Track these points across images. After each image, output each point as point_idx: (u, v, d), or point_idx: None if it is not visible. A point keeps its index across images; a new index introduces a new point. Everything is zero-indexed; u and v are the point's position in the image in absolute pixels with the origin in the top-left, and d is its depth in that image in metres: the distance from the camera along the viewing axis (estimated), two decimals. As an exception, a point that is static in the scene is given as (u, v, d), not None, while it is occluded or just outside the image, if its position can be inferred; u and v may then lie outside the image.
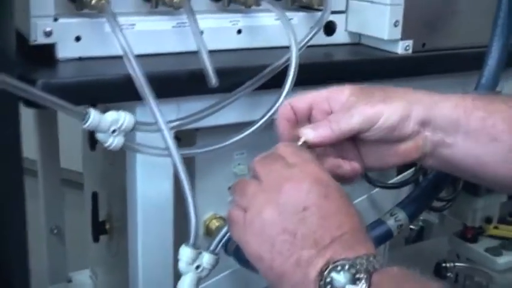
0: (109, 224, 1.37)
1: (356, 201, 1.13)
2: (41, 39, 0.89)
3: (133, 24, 0.94)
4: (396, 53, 1.05)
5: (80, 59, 0.92)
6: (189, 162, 0.95)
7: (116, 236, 1.35)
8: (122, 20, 0.92)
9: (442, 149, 0.79)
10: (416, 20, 1.04)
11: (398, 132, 0.77)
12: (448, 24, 1.08)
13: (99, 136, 0.82)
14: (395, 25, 1.02)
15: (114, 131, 0.81)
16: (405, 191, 1.13)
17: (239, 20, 1.01)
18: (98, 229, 1.37)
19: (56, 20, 0.89)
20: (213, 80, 0.86)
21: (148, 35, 0.95)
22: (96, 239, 1.37)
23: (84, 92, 0.84)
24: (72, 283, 1.54)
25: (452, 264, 1.30)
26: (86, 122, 0.79)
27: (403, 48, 1.04)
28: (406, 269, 0.64)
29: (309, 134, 0.77)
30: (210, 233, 1.06)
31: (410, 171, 1.14)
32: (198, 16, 0.93)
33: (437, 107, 0.78)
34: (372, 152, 0.80)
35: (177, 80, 0.89)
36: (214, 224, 1.05)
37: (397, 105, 0.77)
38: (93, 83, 0.85)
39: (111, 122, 0.81)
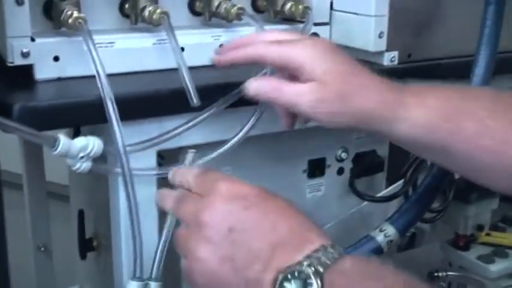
0: (96, 241, 1.35)
1: (345, 215, 1.12)
2: (18, 61, 0.87)
3: (113, 43, 0.92)
4: (382, 65, 1.03)
5: (59, 79, 0.90)
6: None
7: (103, 253, 1.33)
8: (101, 38, 0.91)
9: None
10: (402, 30, 1.03)
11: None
12: (433, 34, 1.06)
13: (68, 161, 0.81)
14: (380, 36, 1.01)
15: (82, 157, 0.81)
16: (394, 203, 1.12)
17: (221, 34, 0.99)
18: (85, 246, 1.35)
19: (33, 40, 0.87)
20: (194, 99, 0.85)
21: (128, 53, 0.93)
22: (83, 256, 1.36)
23: (61, 115, 0.82)
24: (60, 301, 1.52)
25: (444, 274, 1.28)
26: (56, 149, 0.79)
27: (388, 59, 1.03)
28: (364, 260, 0.62)
29: (251, 87, 0.81)
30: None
31: (400, 183, 1.12)
32: (178, 32, 0.92)
33: (395, 124, 0.78)
34: None
35: (158, 99, 0.87)
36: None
37: (341, 121, 0.79)
38: (70, 106, 0.83)
39: (80, 149, 0.81)
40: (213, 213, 0.67)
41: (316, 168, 1.10)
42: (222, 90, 0.89)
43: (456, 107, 0.79)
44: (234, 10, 0.96)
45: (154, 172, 0.89)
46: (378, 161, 1.13)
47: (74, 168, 0.82)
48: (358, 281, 0.60)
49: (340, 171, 1.12)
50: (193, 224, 0.69)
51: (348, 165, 1.13)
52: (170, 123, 0.89)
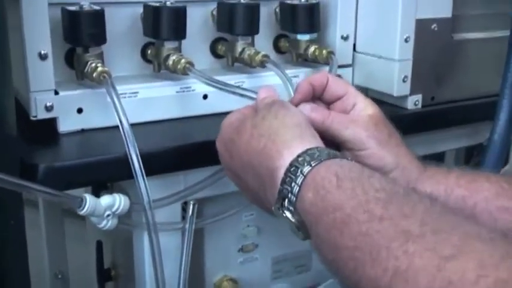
0: (114, 271, 1.35)
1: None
2: (42, 114, 0.86)
3: (136, 92, 0.92)
4: (405, 108, 1.03)
5: (83, 130, 0.89)
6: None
7: (121, 283, 1.33)
8: (124, 88, 0.90)
9: None
10: (425, 74, 1.02)
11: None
12: (456, 76, 1.05)
13: (93, 219, 0.81)
14: (404, 81, 1.00)
15: (108, 215, 0.80)
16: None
17: (244, 80, 0.99)
18: (104, 276, 1.35)
19: (56, 93, 0.86)
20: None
21: (152, 102, 0.93)
22: (102, 286, 1.35)
23: (86, 174, 0.82)
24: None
25: None
26: (83, 209, 0.78)
27: (412, 103, 1.02)
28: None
29: (304, 110, 0.78)
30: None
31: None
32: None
33: (418, 183, 0.77)
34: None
35: (183, 154, 0.87)
36: (225, 285, 1.02)
37: (387, 157, 0.78)
38: (95, 164, 0.82)
39: (106, 207, 0.81)
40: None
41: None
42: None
43: (472, 172, 0.79)
44: (258, 57, 0.96)
45: (179, 226, 0.88)
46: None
47: (99, 226, 0.82)
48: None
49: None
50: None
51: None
52: (195, 175, 0.88)
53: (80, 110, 0.88)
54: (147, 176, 0.82)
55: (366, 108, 0.80)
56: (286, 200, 0.64)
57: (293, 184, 0.63)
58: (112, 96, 0.83)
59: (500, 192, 0.75)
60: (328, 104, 0.83)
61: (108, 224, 0.82)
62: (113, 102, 0.82)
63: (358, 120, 0.79)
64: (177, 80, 0.94)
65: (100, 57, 0.89)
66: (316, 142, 0.68)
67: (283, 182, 0.64)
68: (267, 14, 1.05)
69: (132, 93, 0.91)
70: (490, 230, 0.53)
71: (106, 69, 0.86)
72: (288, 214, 0.64)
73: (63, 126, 0.88)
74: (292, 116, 0.72)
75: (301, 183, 0.63)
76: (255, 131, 0.71)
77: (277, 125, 0.70)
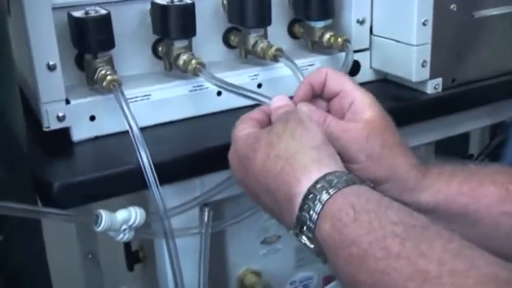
0: (142, 253, 1.36)
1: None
2: (54, 125, 0.85)
3: (149, 95, 0.90)
4: (425, 93, 1.00)
5: (96, 138, 0.88)
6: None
7: (149, 264, 1.34)
8: (136, 91, 0.89)
9: None
10: (445, 56, 0.99)
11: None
12: (477, 56, 1.02)
13: (110, 233, 0.81)
14: (423, 65, 0.97)
15: (125, 229, 0.81)
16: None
17: (258, 73, 0.97)
18: (132, 259, 1.36)
19: (68, 102, 0.86)
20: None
21: (165, 103, 0.92)
22: (131, 268, 1.37)
23: (101, 188, 0.81)
24: (111, 304, 1.54)
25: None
26: (99, 225, 0.78)
27: (432, 87, 0.99)
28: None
29: (303, 107, 0.78)
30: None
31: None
32: (216, 75, 0.90)
33: (414, 194, 0.76)
34: None
35: (198, 160, 0.86)
36: (249, 278, 1.03)
37: (378, 171, 0.76)
38: (109, 178, 0.81)
39: (122, 222, 0.80)
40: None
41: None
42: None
43: (478, 173, 0.77)
44: (271, 51, 0.93)
45: (197, 230, 0.88)
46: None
47: (117, 239, 0.82)
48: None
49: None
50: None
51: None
52: (211, 178, 0.87)
53: (92, 118, 0.88)
54: (162, 184, 0.81)
55: (362, 110, 0.77)
56: (305, 227, 0.63)
57: (311, 212, 0.62)
58: (122, 106, 0.82)
59: (504, 197, 0.74)
60: (328, 100, 0.81)
61: (125, 237, 0.82)
62: (124, 113, 0.82)
63: (351, 129, 0.76)
64: (189, 78, 0.92)
65: (109, 62, 0.87)
66: (334, 165, 0.67)
67: (302, 209, 0.64)
68: (280, -1, 1.02)
69: (144, 95, 0.90)
70: (508, 268, 0.52)
71: (115, 77, 0.85)
72: (306, 241, 0.64)
73: (77, 135, 0.87)
74: (310, 137, 0.70)
75: (319, 211, 0.62)
76: (271, 152, 0.69)
77: (295, 148, 0.68)
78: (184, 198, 0.86)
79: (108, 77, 0.84)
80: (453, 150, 1.09)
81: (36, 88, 0.84)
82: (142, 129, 0.86)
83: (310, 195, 0.63)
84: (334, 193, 0.62)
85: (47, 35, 0.82)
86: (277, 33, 1.01)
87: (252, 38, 0.95)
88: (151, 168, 0.80)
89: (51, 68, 0.83)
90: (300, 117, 0.73)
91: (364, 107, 0.77)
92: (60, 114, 0.85)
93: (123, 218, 0.80)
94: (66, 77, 0.87)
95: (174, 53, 0.91)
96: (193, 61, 0.89)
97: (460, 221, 0.75)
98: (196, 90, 0.93)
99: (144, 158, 0.80)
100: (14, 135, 0.74)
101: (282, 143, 0.69)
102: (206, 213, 0.87)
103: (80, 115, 0.87)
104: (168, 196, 0.84)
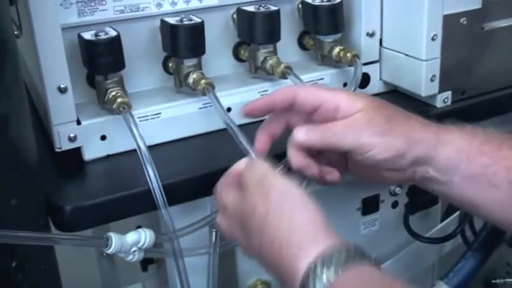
0: (156, 254, 1.38)
1: (400, 252, 1.11)
2: (66, 146, 0.87)
3: (159, 114, 0.91)
4: (435, 106, 1.00)
5: (108, 156, 0.90)
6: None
7: (163, 264, 1.36)
8: (146, 111, 0.90)
9: (433, 184, 0.79)
10: (454, 70, 0.98)
11: (388, 165, 0.77)
12: (487, 67, 1.02)
13: (120, 255, 0.82)
14: (432, 80, 0.97)
15: (135, 251, 0.82)
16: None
17: (268, 89, 0.97)
18: (146, 260, 1.38)
19: (79, 123, 0.87)
20: (253, 155, 0.81)
21: (175, 121, 0.93)
22: (144, 268, 1.39)
23: (113, 210, 0.83)
24: (126, 300, 1.57)
25: (502, 280, 1.28)
26: (110, 248, 0.80)
27: (441, 101, 0.99)
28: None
29: (300, 135, 0.78)
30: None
31: (455, 216, 1.10)
32: (224, 92, 0.92)
33: (438, 149, 0.76)
34: (356, 165, 0.82)
35: (208, 181, 0.86)
36: (259, 289, 1.04)
37: (395, 142, 0.76)
38: (121, 200, 0.83)
39: (131, 244, 0.82)
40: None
41: (370, 206, 1.08)
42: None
43: (497, 136, 0.78)
44: (280, 69, 0.94)
45: (205, 250, 0.89)
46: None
47: (126, 259, 0.84)
48: None
49: (395, 204, 1.11)
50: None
51: (402, 198, 1.11)
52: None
53: (103, 137, 0.89)
54: (172, 204, 0.83)
55: (352, 105, 0.77)
56: None
57: None
58: (132, 129, 0.83)
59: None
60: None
61: (134, 257, 0.83)
62: (133, 136, 0.83)
63: (353, 123, 0.76)
64: (200, 95, 0.93)
65: (120, 83, 0.88)
66: (330, 238, 0.66)
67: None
68: (290, 10, 1.02)
69: (155, 114, 0.91)
70: None
71: (125, 99, 0.86)
72: None
73: (88, 155, 0.89)
74: (300, 210, 0.68)
75: None
76: (264, 237, 0.68)
77: (287, 230, 0.67)
78: (194, 218, 0.87)
79: (119, 100, 0.85)
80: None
81: (47, 110, 0.85)
82: (152, 147, 0.88)
83: (310, 277, 0.62)
84: (334, 279, 0.61)
85: (58, 58, 0.83)
86: (287, 44, 1.02)
87: (262, 54, 0.96)
88: (160, 190, 0.81)
89: (62, 90, 0.84)
90: (275, 184, 0.71)
91: (352, 101, 0.78)
92: (72, 135, 0.86)
93: (133, 240, 0.82)
94: (77, 95, 0.88)
95: (183, 71, 0.92)
96: (203, 81, 0.90)
97: (479, 182, 0.76)
98: (206, 107, 0.94)
99: (154, 180, 0.81)
100: (27, 160, 0.75)
101: (272, 227, 0.68)
102: (214, 234, 0.88)
103: (91, 135, 0.88)
104: (177, 215, 0.85)
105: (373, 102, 0.78)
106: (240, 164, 0.78)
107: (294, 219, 0.67)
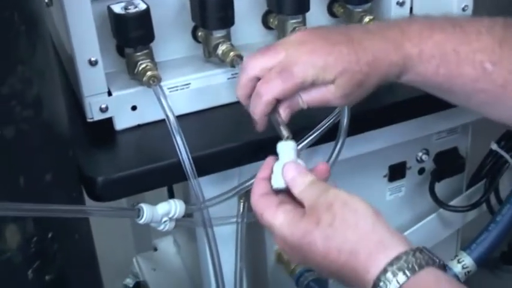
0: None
1: (424, 220, 1.12)
2: (98, 116, 0.89)
3: (188, 84, 0.93)
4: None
5: (139, 126, 0.92)
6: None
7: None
8: (176, 81, 0.91)
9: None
10: None
11: None
12: None
13: (152, 225, 0.85)
14: (464, 10, 0.97)
15: (165, 221, 0.85)
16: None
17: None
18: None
19: (110, 94, 0.88)
20: (286, 133, 0.80)
21: (204, 91, 0.94)
22: (175, 224, 1.42)
23: (144, 182, 0.85)
24: (157, 251, 1.61)
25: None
26: (141, 218, 0.82)
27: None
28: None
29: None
30: (281, 260, 1.09)
31: (481, 184, 1.11)
32: None
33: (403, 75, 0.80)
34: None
35: (236, 153, 0.88)
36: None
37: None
38: (152, 172, 0.85)
39: (162, 214, 0.84)
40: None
41: (396, 172, 1.10)
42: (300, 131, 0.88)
43: (454, 52, 0.78)
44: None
45: (235, 220, 0.91)
46: (459, 160, 1.12)
47: (158, 229, 0.86)
48: None
49: (421, 171, 1.12)
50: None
51: (429, 165, 1.12)
52: (250, 168, 0.90)
53: (134, 108, 0.91)
54: (202, 175, 0.85)
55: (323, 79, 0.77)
56: None
57: None
58: (161, 102, 0.85)
59: (479, 77, 0.78)
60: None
61: (166, 227, 0.86)
62: (163, 108, 0.84)
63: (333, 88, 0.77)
64: (228, 66, 0.93)
65: (149, 55, 0.89)
66: (397, 241, 0.66)
67: None
68: (321, -24, 1.02)
69: (184, 85, 0.92)
70: None
71: (155, 72, 0.87)
72: None
73: (119, 125, 0.91)
74: (362, 217, 0.68)
75: None
76: (330, 245, 0.68)
77: (354, 237, 0.67)
78: (223, 188, 0.89)
79: (148, 73, 0.86)
80: (491, 131, 1.10)
81: (78, 82, 0.87)
82: (182, 117, 0.89)
83: (381, 283, 0.63)
84: (405, 281, 0.62)
85: (88, 31, 0.85)
86: (316, 12, 1.02)
87: (290, 24, 0.96)
88: (189, 161, 0.83)
89: (93, 63, 0.86)
90: (338, 195, 0.70)
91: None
92: (103, 106, 0.88)
93: (163, 211, 0.84)
94: (108, 64, 0.90)
95: (212, 42, 0.92)
96: (232, 53, 0.90)
97: (435, 91, 0.83)
98: (235, 77, 0.94)
99: (183, 152, 0.83)
100: (60, 137, 0.77)
101: (338, 235, 0.67)
102: (242, 205, 0.90)
103: (122, 105, 0.90)
104: (207, 186, 0.87)
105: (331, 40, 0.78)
106: (267, 166, 0.78)
107: (358, 227, 0.67)
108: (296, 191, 0.73)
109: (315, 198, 0.71)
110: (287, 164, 0.76)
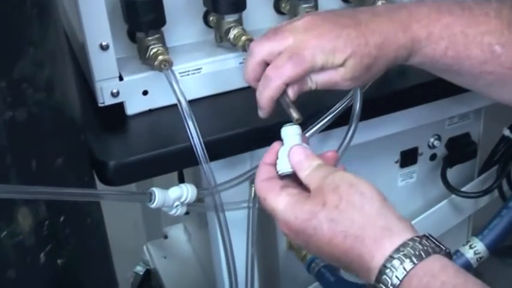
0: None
1: (436, 206, 1.12)
2: (109, 101, 0.89)
3: (200, 69, 0.92)
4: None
5: (150, 110, 0.92)
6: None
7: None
8: (187, 66, 0.91)
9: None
10: None
11: None
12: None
13: (163, 209, 0.85)
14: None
15: (177, 205, 0.85)
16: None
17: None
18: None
19: (121, 79, 0.88)
20: (296, 115, 0.79)
21: (215, 76, 0.94)
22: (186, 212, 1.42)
23: (156, 166, 0.85)
24: (168, 239, 1.61)
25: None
26: (153, 203, 0.82)
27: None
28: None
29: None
30: (292, 247, 1.08)
31: (493, 170, 1.11)
32: None
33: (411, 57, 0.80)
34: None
35: (248, 138, 0.88)
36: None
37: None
38: (163, 156, 0.85)
39: (174, 199, 0.84)
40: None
41: (408, 158, 1.09)
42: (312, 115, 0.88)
43: (462, 34, 0.78)
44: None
45: (246, 205, 0.91)
46: (471, 146, 1.11)
47: (170, 213, 0.86)
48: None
49: (433, 157, 1.12)
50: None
51: (440, 151, 1.11)
52: (261, 152, 0.89)
53: (145, 92, 0.90)
54: (213, 160, 0.85)
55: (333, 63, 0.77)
56: None
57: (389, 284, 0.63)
58: (173, 86, 0.85)
59: (488, 59, 0.78)
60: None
61: (177, 212, 0.86)
62: (175, 93, 0.84)
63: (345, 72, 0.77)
64: (240, 50, 0.93)
65: (161, 40, 0.89)
66: (402, 227, 0.65)
67: (378, 280, 0.64)
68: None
69: (196, 69, 0.92)
70: None
71: (166, 57, 0.86)
72: None
73: (131, 109, 0.91)
74: (369, 200, 0.67)
75: (398, 285, 0.62)
76: (336, 228, 0.67)
77: (361, 220, 0.66)
78: (235, 173, 0.89)
79: (160, 57, 0.86)
80: (503, 117, 1.09)
81: (90, 66, 0.87)
82: (193, 102, 0.89)
83: (387, 270, 0.63)
84: (411, 268, 0.62)
85: (99, 16, 0.84)
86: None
87: (302, 9, 0.95)
88: (201, 146, 0.83)
89: (104, 48, 0.86)
90: (345, 177, 0.70)
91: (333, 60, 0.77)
92: (114, 91, 0.88)
93: (175, 195, 0.84)
94: (119, 49, 0.89)
95: (224, 26, 0.92)
96: (243, 37, 0.90)
97: (442, 73, 0.84)
98: (246, 62, 0.94)
99: (195, 137, 0.83)
100: (72, 121, 0.77)
101: (345, 217, 0.66)
102: (253, 189, 0.90)
103: (133, 90, 0.90)
104: (218, 170, 0.87)
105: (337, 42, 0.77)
106: (273, 151, 0.78)
107: (364, 210, 0.67)
108: (302, 174, 0.73)
109: (321, 180, 0.70)
110: (294, 147, 0.75)
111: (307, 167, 0.73)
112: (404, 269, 0.62)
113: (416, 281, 0.62)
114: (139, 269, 1.58)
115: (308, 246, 0.70)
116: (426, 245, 0.63)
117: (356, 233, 0.65)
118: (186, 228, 1.60)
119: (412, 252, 0.62)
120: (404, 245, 0.63)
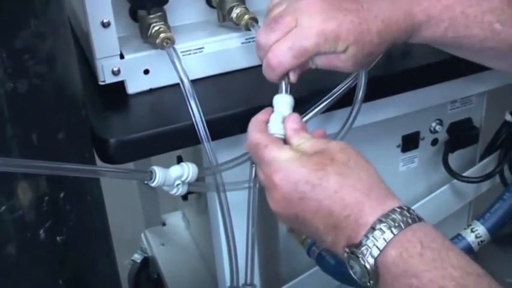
0: (198, 182, 1.40)
1: (437, 191, 1.11)
2: (110, 79, 0.88)
3: (202, 48, 0.92)
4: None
5: (151, 90, 0.91)
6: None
7: (203, 194, 1.38)
8: (190, 45, 0.90)
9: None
10: None
11: None
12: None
13: (164, 188, 0.84)
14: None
15: (178, 184, 0.83)
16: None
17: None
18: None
19: (122, 57, 0.88)
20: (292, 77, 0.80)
21: (218, 56, 0.93)
22: (185, 198, 1.41)
23: (155, 144, 0.84)
24: (166, 226, 1.60)
25: None
26: (154, 181, 0.81)
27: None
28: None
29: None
30: (293, 230, 1.08)
31: (495, 155, 1.10)
32: None
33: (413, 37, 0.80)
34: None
35: (249, 116, 0.87)
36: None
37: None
38: (165, 134, 0.84)
39: (175, 178, 0.83)
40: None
41: (409, 143, 1.09)
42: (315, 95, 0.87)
43: (463, 15, 0.78)
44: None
45: (248, 185, 0.90)
46: (473, 131, 1.11)
47: (171, 193, 0.85)
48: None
49: (435, 142, 1.11)
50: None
51: (442, 136, 1.11)
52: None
53: (146, 71, 0.90)
54: (215, 139, 0.84)
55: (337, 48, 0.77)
56: (367, 252, 0.64)
57: (379, 239, 0.64)
58: (175, 64, 0.84)
59: (488, 37, 0.78)
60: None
61: (178, 191, 0.85)
62: (176, 71, 0.83)
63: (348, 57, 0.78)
64: (243, 30, 0.92)
65: (163, 18, 0.88)
66: (396, 200, 0.67)
67: (367, 236, 0.65)
68: None
69: (198, 49, 0.91)
70: None
71: (169, 34, 0.86)
72: (364, 262, 0.65)
73: (132, 88, 0.90)
74: (372, 167, 0.70)
75: (389, 240, 0.63)
76: (344, 182, 0.68)
77: (368, 179, 0.69)
78: (236, 153, 0.88)
79: (162, 35, 0.85)
80: (506, 102, 1.09)
81: (91, 44, 0.86)
82: (196, 81, 0.88)
83: (382, 224, 0.64)
84: (406, 227, 0.63)
85: (101, -7, 0.83)
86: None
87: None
88: (203, 125, 0.82)
89: (105, 25, 0.85)
90: (348, 145, 0.73)
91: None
92: (115, 69, 0.88)
93: (176, 174, 0.83)
94: (120, 29, 0.89)
95: (227, 5, 0.91)
96: (246, 16, 0.89)
97: (440, 47, 0.85)
98: (249, 42, 0.93)
99: (197, 115, 0.82)
100: (73, 95, 0.76)
101: (354, 173, 0.69)
102: (254, 169, 0.89)
103: (134, 69, 0.89)
104: (220, 150, 0.87)
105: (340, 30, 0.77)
106: (266, 113, 0.79)
107: (370, 173, 0.70)
108: (295, 141, 0.75)
109: (324, 144, 0.72)
110: (293, 115, 0.77)
111: (303, 137, 0.75)
112: (400, 226, 0.63)
113: (407, 237, 0.63)
114: (137, 257, 1.58)
115: (300, 203, 0.70)
116: (416, 214, 0.66)
117: (363, 189, 0.67)
118: (185, 215, 1.60)
119: (409, 215, 0.65)
120: (401, 208, 0.65)
